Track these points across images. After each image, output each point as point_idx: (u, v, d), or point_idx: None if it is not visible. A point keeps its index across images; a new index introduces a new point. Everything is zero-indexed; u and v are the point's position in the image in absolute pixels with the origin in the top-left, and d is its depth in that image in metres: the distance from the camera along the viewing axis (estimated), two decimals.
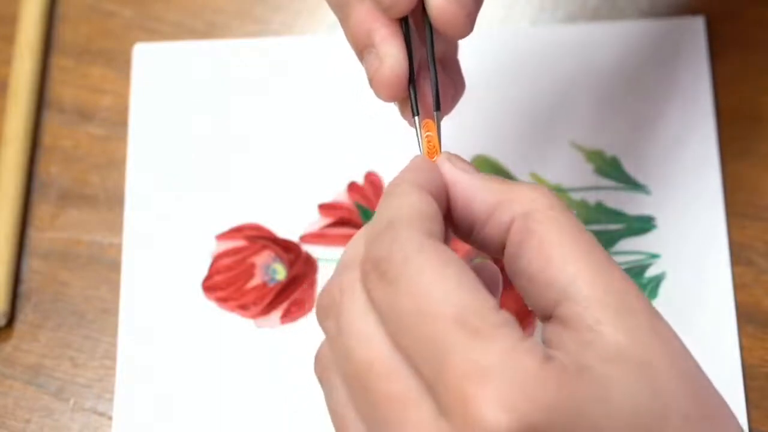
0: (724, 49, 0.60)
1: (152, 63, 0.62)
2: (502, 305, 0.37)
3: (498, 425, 0.33)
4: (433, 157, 0.42)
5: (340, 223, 0.58)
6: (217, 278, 0.57)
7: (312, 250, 0.57)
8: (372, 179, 0.59)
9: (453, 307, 0.35)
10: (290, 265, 0.57)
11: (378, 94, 0.44)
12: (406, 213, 0.37)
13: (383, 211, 0.38)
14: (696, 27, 0.60)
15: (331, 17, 0.62)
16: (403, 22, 0.43)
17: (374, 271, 0.36)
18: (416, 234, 0.37)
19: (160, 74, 0.61)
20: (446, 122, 0.59)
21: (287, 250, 0.57)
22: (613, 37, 0.60)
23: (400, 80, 0.43)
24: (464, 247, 0.48)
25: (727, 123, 0.58)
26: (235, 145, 0.60)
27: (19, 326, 0.57)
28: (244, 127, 0.60)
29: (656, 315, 0.37)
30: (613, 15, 0.61)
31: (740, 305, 0.55)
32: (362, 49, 0.43)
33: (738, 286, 0.55)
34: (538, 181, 0.58)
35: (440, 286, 0.35)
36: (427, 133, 0.43)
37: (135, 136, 0.60)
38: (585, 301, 0.36)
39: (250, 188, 0.59)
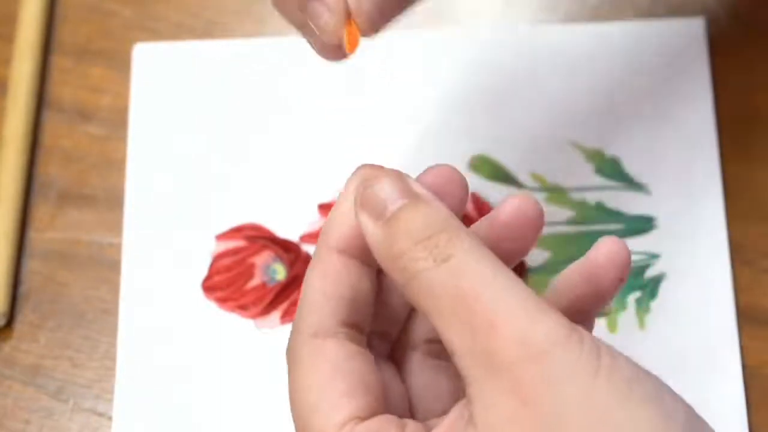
0: (724, 49, 0.60)
1: (152, 63, 0.62)
2: None
3: None
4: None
5: None
6: (217, 278, 0.57)
7: (312, 250, 0.57)
8: None
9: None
10: (290, 265, 0.57)
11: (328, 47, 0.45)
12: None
13: None
14: (696, 28, 0.60)
15: None
16: None
17: None
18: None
19: (160, 74, 0.61)
20: (447, 122, 0.60)
21: (287, 250, 0.57)
22: (613, 37, 0.60)
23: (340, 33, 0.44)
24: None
25: (727, 123, 0.58)
26: (234, 145, 0.60)
27: (19, 326, 0.57)
28: (243, 127, 0.60)
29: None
30: (612, 15, 0.61)
31: (740, 306, 0.55)
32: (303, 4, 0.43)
33: (738, 287, 0.55)
34: (538, 180, 0.58)
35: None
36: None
37: (135, 136, 0.60)
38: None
39: (249, 188, 0.59)
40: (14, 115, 0.60)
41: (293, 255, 0.57)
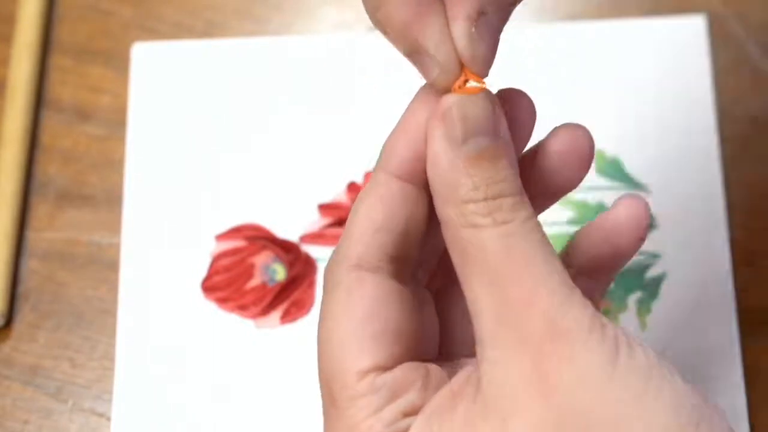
0: (725, 47, 0.60)
1: (151, 62, 0.61)
2: None
3: None
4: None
5: (340, 223, 0.58)
6: (217, 279, 0.57)
7: (312, 250, 0.57)
8: None
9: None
10: (290, 266, 0.57)
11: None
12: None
13: None
14: (697, 25, 0.60)
15: (332, 17, 0.62)
16: None
17: None
18: None
19: (159, 74, 0.61)
20: None
21: (287, 250, 0.57)
22: (614, 35, 0.60)
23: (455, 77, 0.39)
24: None
25: (728, 122, 0.58)
26: (234, 145, 0.60)
27: (18, 327, 0.57)
28: (243, 127, 0.60)
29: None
30: (613, 13, 0.61)
31: (742, 306, 0.55)
32: (411, 50, 0.38)
33: (740, 287, 0.55)
34: None
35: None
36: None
37: (134, 136, 0.60)
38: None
39: (249, 188, 0.59)
40: (13, 115, 0.60)
41: (293, 255, 0.57)
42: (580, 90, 0.59)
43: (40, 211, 0.59)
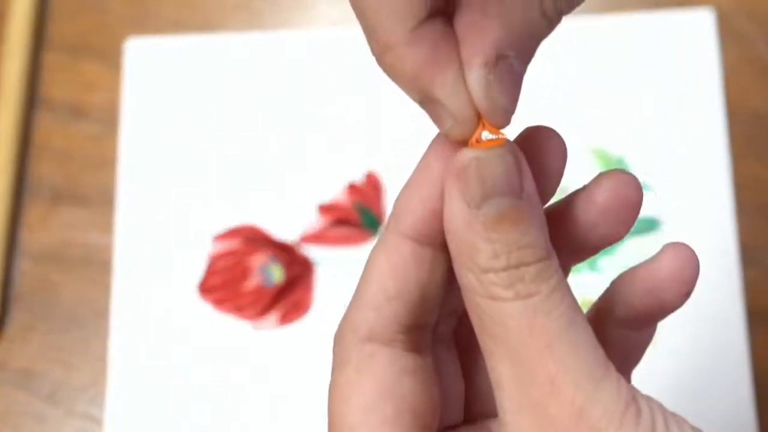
0: (734, 42, 0.59)
1: (145, 58, 0.61)
2: None
3: None
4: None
5: (340, 223, 0.57)
6: (214, 280, 0.57)
7: (311, 250, 0.57)
8: (372, 179, 0.58)
9: None
10: (287, 267, 0.56)
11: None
12: None
13: None
14: (706, 19, 0.59)
15: (330, 13, 0.61)
16: None
17: None
18: None
19: (153, 70, 0.60)
20: None
21: (284, 251, 0.57)
22: (620, 29, 0.59)
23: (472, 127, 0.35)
24: None
25: (737, 120, 0.57)
26: (231, 143, 0.59)
27: (10, 329, 0.56)
28: (239, 125, 0.59)
29: None
30: (619, 6, 0.60)
31: (751, 307, 0.54)
32: (422, 99, 0.34)
33: (748, 288, 0.54)
34: None
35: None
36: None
37: (127, 134, 0.59)
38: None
39: (246, 188, 0.58)
40: (5, 114, 0.59)
41: (290, 257, 0.57)
42: (584, 86, 0.59)
43: (33, 211, 0.59)
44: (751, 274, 0.55)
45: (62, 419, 0.55)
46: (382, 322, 0.34)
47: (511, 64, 0.32)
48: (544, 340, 0.31)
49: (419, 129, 0.58)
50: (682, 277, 0.35)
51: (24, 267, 0.58)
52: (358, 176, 0.58)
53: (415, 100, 0.33)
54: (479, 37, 0.31)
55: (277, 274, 0.56)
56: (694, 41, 0.59)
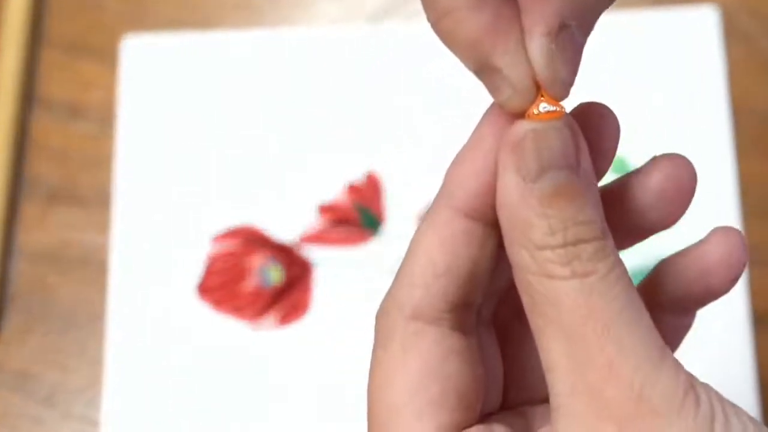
0: (738, 40, 0.58)
1: (142, 56, 0.60)
2: None
3: None
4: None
5: (339, 223, 0.57)
6: (212, 280, 0.56)
7: (311, 250, 0.57)
8: (371, 180, 0.57)
9: None
10: (286, 268, 0.56)
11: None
12: None
13: None
14: (709, 17, 0.59)
15: (330, 11, 0.61)
16: None
17: None
18: None
19: (151, 68, 0.60)
20: (447, 119, 0.58)
21: (283, 252, 0.57)
22: (623, 27, 0.59)
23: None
24: None
25: (741, 118, 0.57)
26: (230, 142, 0.59)
27: (6, 331, 0.56)
28: (238, 124, 0.59)
29: None
30: (623, 4, 0.59)
31: (756, 309, 0.54)
32: (479, 67, 0.33)
33: (752, 290, 0.54)
34: None
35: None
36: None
37: (124, 133, 0.59)
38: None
39: (245, 188, 0.58)
40: (1, 112, 0.59)
41: (289, 257, 0.56)
42: (586, 84, 0.58)
43: (29, 211, 0.58)
44: (756, 273, 0.54)
45: (59, 421, 0.55)
46: (430, 299, 0.33)
47: (573, 34, 0.31)
48: (602, 322, 0.30)
49: (417, 129, 0.58)
50: (730, 261, 0.35)
51: (20, 268, 0.57)
52: (358, 176, 0.58)
53: (470, 68, 0.32)
54: (542, 5, 0.30)
55: (276, 275, 0.56)
56: (698, 39, 0.58)
